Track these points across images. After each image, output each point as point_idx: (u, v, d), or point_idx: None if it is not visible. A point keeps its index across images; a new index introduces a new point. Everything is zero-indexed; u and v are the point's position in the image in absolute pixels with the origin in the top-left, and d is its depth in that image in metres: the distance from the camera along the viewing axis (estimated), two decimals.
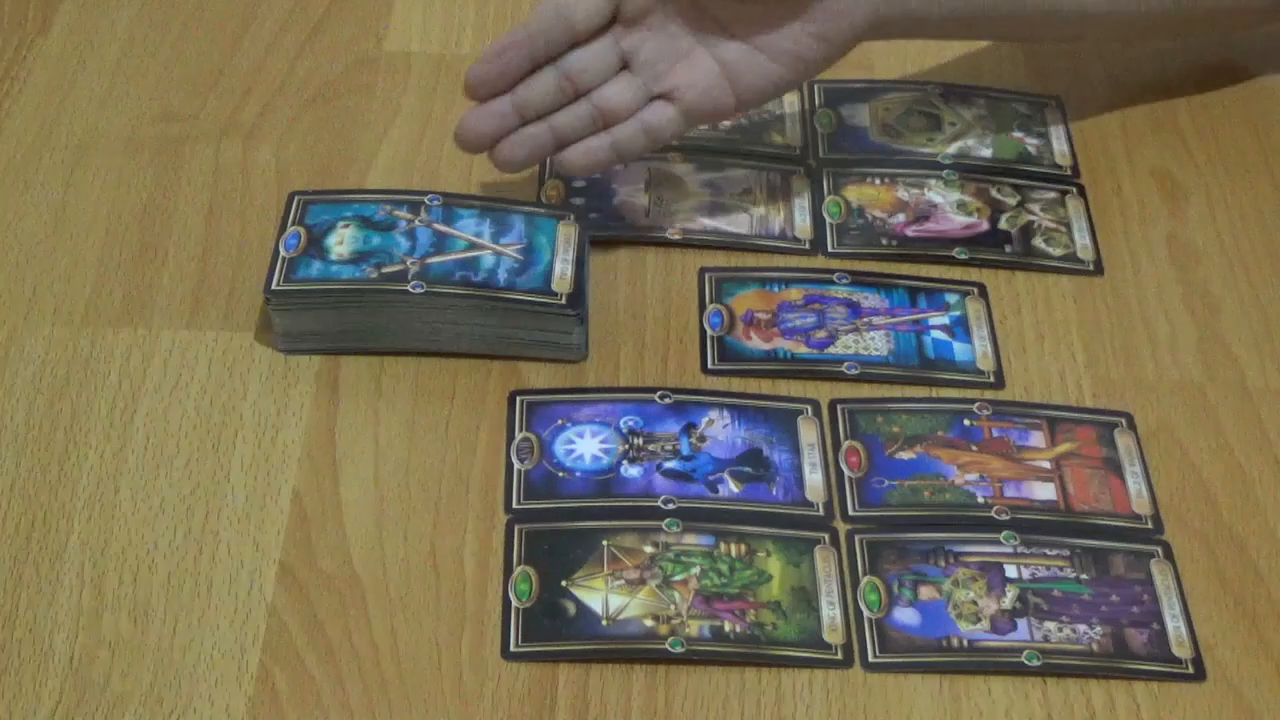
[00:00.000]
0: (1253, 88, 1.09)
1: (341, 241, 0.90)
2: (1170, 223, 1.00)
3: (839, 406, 0.89)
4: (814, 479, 0.85)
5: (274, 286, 0.88)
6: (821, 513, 0.84)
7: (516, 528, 0.82)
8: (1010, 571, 0.82)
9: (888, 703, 0.77)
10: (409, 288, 0.88)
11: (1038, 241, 0.98)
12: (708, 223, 0.98)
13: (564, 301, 0.88)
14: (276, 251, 0.89)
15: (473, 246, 0.90)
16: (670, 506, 0.84)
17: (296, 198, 0.92)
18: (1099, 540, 0.83)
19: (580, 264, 0.90)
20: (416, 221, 0.91)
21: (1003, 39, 1.08)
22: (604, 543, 0.82)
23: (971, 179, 1.01)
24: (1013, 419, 0.88)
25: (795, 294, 0.94)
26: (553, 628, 0.79)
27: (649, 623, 0.79)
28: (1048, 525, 0.84)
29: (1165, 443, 0.88)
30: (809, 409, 0.88)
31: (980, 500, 0.85)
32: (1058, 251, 0.97)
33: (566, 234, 0.91)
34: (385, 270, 0.88)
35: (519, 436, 0.86)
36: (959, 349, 0.92)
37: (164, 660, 0.77)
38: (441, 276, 0.88)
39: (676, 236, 0.97)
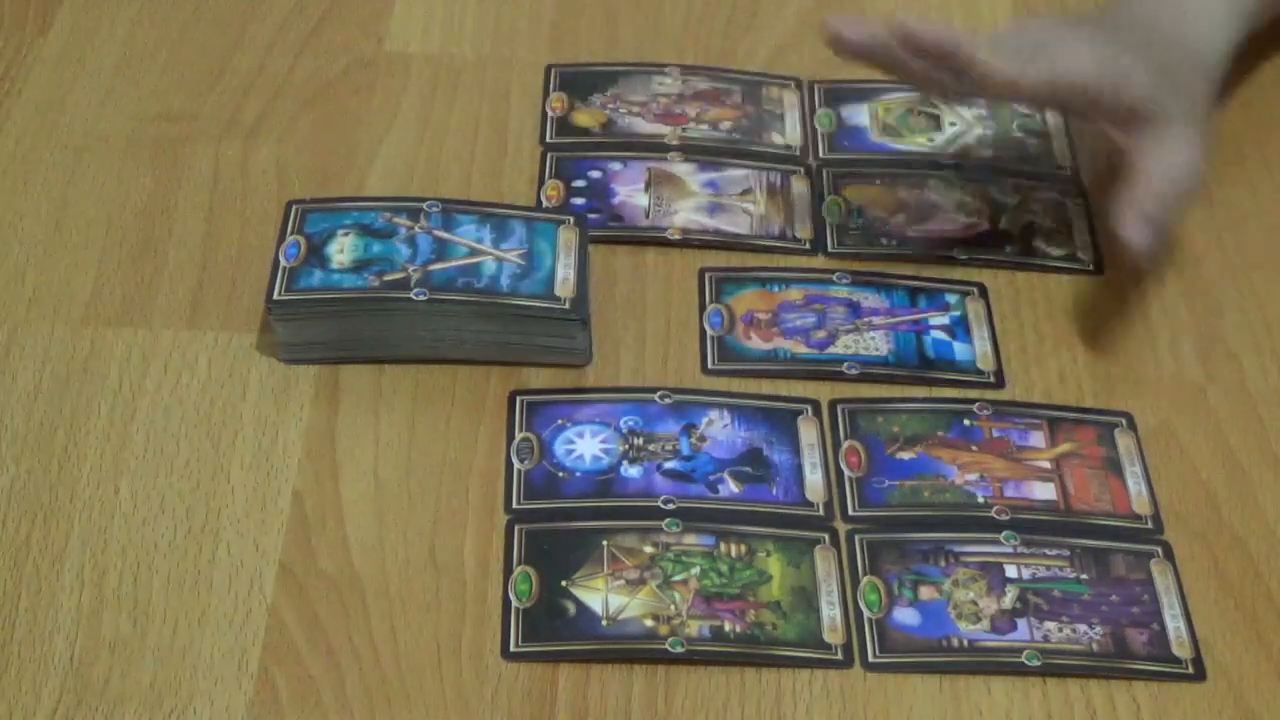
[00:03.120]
0: (1253, 88, 1.08)
1: (342, 250, 0.90)
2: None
3: (839, 406, 0.89)
4: (814, 479, 0.85)
5: (275, 296, 0.88)
6: (821, 513, 0.84)
7: (516, 528, 0.82)
8: (1010, 571, 0.82)
9: (888, 703, 0.77)
10: (412, 295, 0.87)
11: (1038, 241, 0.98)
12: (708, 223, 0.98)
13: (568, 306, 0.88)
14: (276, 261, 0.89)
15: (474, 252, 0.90)
16: (670, 506, 0.84)
17: (295, 206, 0.92)
18: (1099, 540, 0.83)
19: (582, 268, 0.90)
20: (416, 228, 0.91)
21: None
22: (604, 543, 0.82)
23: (971, 179, 1.01)
24: (1013, 419, 0.89)
25: (795, 294, 0.94)
26: (553, 628, 0.79)
27: (649, 623, 0.79)
28: (1048, 525, 0.84)
29: (1165, 443, 0.88)
30: (809, 409, 0.88)
31: (980, 500, 0.85)
32: (1058, 251, 0.97)
33: (567, 238, 0.91)
34: (387, 278, 0.88)
35: (519, 436, 0.86)
36: (959, 349, 0.92)
37: (164, 660, 0.77)
38: (444, 283, 0.88)
39: (676, 236, 0.97)
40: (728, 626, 0.79)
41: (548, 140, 1.02)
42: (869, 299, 0.94)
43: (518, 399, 0.88)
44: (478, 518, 0.83)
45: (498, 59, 1.08)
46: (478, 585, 0.80)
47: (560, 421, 0.87)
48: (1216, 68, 0.95)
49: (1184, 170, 0.91)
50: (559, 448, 0.86)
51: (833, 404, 0.89)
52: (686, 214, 0.98)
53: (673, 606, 0.80)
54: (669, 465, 0.85)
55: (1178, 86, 0.91)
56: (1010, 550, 0.83)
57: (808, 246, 0.97)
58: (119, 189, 0.98)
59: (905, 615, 0.80)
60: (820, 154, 1.02)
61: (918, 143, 1.03)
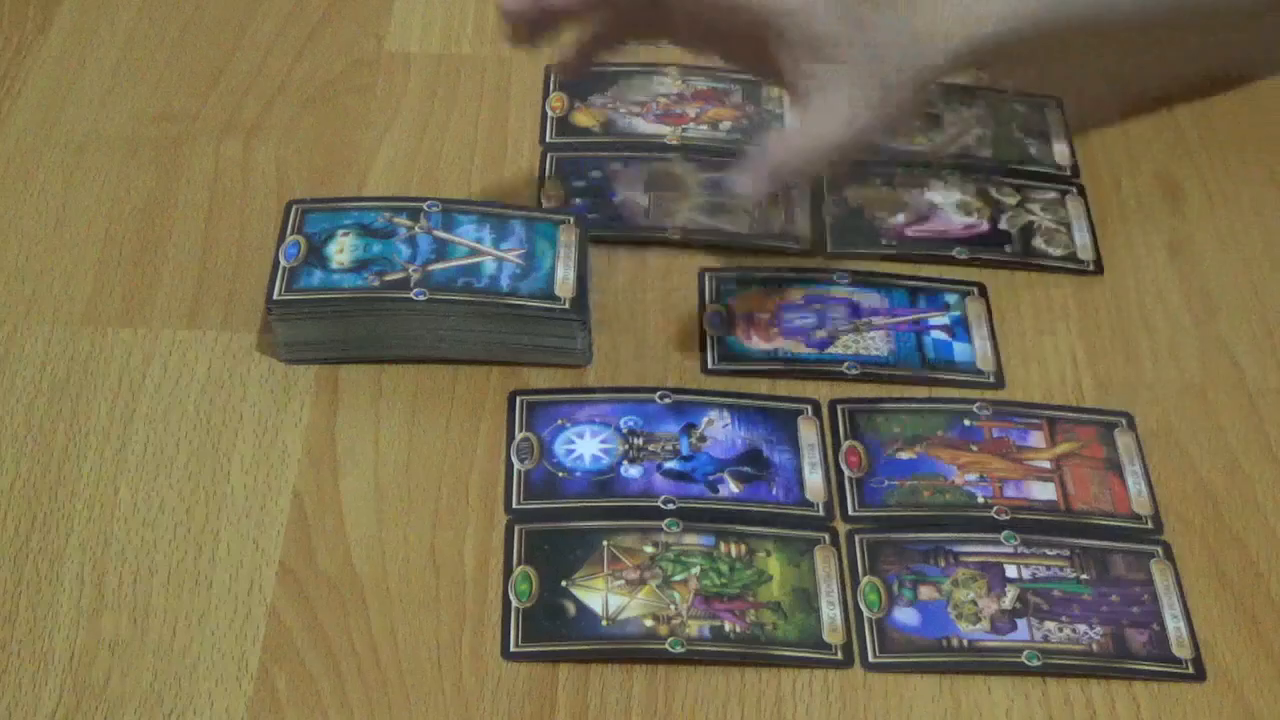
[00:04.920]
0: (1253, 88, 1.09)
1: (342, 250, 0.90)
2: (1170, 223, 1.00)
3: (839, 406, 0.89)
4: (814, 479, 0.85)
5: (275, 296, 0.88)
6: (821, 513, 0.84)
7: (516, 528, 0.82)
8: (1010, 571, 0.82)
9: (888, 703, 0.77)
10: (412, 295, 0.87)
11: (1038, 241, 0.98)
12: (708, 223, 0.98)
13: (568, 306, 0.88)
14: (277, 261, 0.89)
15: (474, 252, 0.90)
16: (670, 506, 0.84)
17: (294, 206, 0.92)
18: (1099, 540, 0.83)
19: (582, 268, 0.90)
20: (416, 228, 0.91)
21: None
22: (604, 543, 0.82)
23: (971, 179, 1.01)
24: (1013, 419, 0.89)
25: (795, 294, 0.94)
26: (553, 628, 0.79)
27: (649, 623, 0.79)
28: (1048, 525, 0.84)
29: (1165, 443, 0.88)
30: (809, 409, 0.88)
31: (980, 500, 0.85)
32: (1058, 251, 0.98)
33: (567, 238, 0.91)
34: (387, 278, 0.88)
35: (519, 436, 0.86)
36: (959, 349, 0.92)
37: (164, 660, 0.77)
38: (444, 283, 0.88)
39: (676, 236, 0.97)
40: (728, 626, 0.79)
41: (548, 140, 1.02)
42: (869, 299, 0.94)
43: (518, 399, 0.88)
44: (478, 518, 0.83)
45: (498, 59, 1.08)
46: (478, 585, 0.80)
47: (560, 421, 0.87)
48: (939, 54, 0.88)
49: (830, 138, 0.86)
50: (559, 448, 0.86)
51: (833, 404, 0.89)
52: (686, 214, 0.98)
53: (673, 606, 0.80)
54: (669, 465, 0.85)
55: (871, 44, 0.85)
56: (1010, 550, 0.83)
57: (808, 246, 0.97)
58: (119, 189, 0.98)
59: (905, 615, 0.80)
60: None
61: (918, 143, 1.03)
